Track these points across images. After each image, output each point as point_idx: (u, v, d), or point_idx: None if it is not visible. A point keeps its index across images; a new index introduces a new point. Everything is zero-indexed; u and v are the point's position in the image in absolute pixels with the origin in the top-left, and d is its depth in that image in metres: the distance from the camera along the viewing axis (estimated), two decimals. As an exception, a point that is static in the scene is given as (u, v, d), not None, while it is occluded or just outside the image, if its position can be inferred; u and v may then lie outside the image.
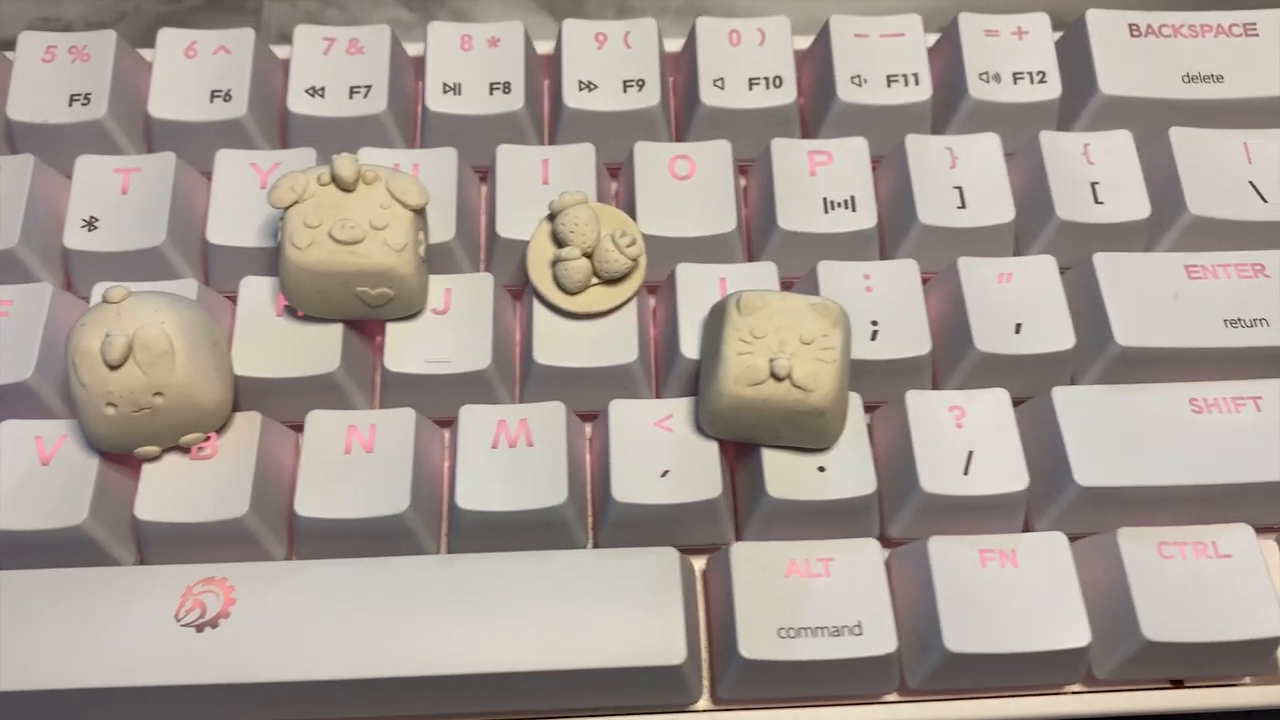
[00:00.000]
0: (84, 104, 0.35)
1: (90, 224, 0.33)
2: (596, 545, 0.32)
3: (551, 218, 0.33)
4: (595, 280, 0.32)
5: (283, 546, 0.31)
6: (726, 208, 0.34)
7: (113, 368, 0.29)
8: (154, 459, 0.30)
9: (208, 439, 0.31)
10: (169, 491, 0.30)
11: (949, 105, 0.36)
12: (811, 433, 0.30)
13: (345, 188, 0.31)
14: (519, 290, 0.34)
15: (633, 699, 0.30)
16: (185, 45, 0.36)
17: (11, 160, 0.34)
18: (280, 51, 0.37)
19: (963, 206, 0.34)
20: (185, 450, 0.31)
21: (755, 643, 0.29)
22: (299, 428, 0.32)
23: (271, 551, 0.31)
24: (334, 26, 0.36)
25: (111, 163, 0.34)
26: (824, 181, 0.34)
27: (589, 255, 0.32)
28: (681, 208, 0.34)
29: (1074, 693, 0.31)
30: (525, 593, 0.30)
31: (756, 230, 0.35)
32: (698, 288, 0.33)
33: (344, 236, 0.30)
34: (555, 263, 0.32)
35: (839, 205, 0.34)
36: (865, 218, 0.34)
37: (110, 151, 0.35)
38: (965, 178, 0.35)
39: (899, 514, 0.31)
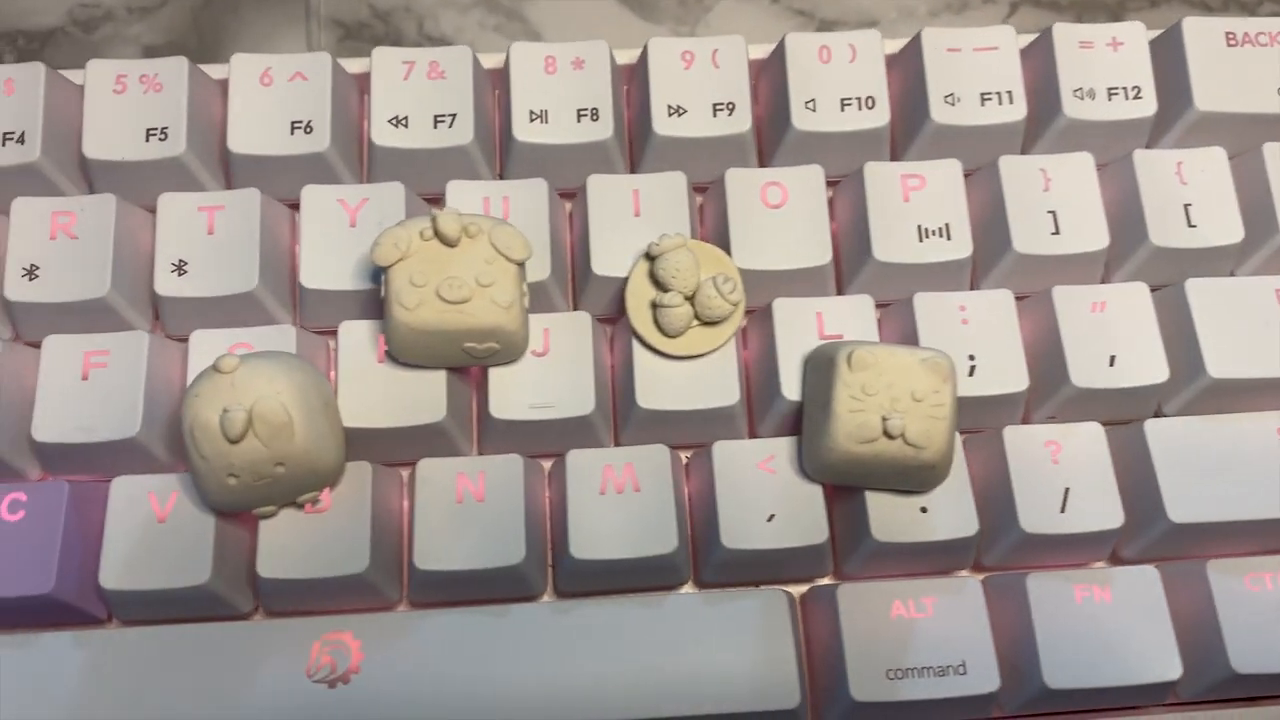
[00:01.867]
0: (161, 139, 0.34)
1: (180, 268, 0.33)
2: (698, 581, 0.33)
3: (650, 258, 0.32)
4: (695, 323, 0.32)
5: (398, 590, 0.32)
6: (821, 238, 0.34)
7: (233, 442, 0.29)
8: (271, 516, 0.31)
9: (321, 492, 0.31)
10: (289, 548, 0.31)
11: (1040, 122, 0.35)
12: (918, 482, 0.31)
13: (449, 244, 0.30)
14: (612, 318, 0.34)
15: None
16: (260, 71, 0.34)
17: (94, 201, 0.33)
18: (349, 65, 0.36)
19: (1056, 232, 0.34)
20: (299, 505, 0.31)
21: (865, 685, 0.30)
22: (403, 464, 0.33)
23: (388, 595, 0.32)
24: (412, 48, 0.34)
25: (195, 200, 0.33)
26: (917, 207, 0.34)
27: (690, 299, 0.32)
28: (775, 239, 0.34)
29: (1162, 711, 0.32)
30: (640, 640, 0.31)
31: (847, 259, 0.35)
32: (795, 323, 0.33)
33: (452, 296, 0.30)
34: (656, 307, 0.32)
35: (933, 233, 0.34)
36: (960, 246, 0.34)
37: (193, 188, 0.34)
38: (1059, 201, 0.34)
39: (995, 547, 0.32)
